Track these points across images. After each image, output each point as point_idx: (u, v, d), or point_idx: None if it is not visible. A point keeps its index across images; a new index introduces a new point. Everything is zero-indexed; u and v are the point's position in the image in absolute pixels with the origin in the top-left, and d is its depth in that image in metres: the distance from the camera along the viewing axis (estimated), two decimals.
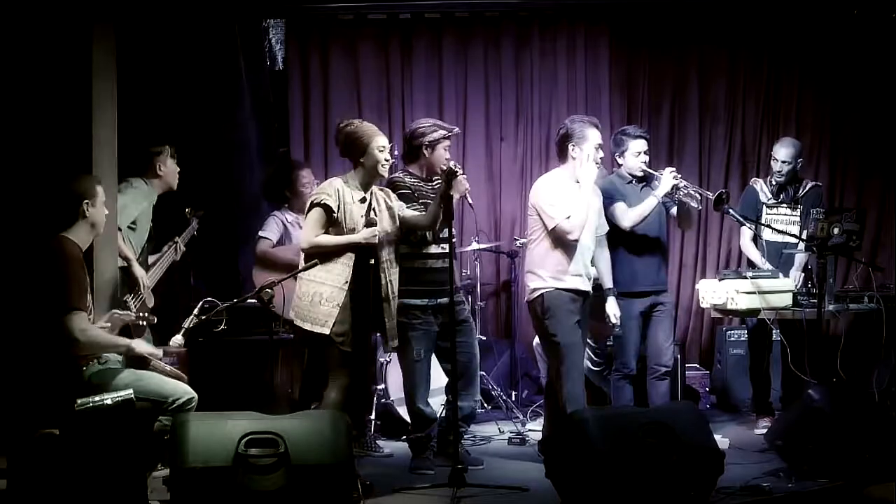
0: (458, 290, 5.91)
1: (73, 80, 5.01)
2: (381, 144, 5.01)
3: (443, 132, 5.40)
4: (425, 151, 5.39)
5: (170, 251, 5.72)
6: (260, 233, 6.15)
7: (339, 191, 4.93)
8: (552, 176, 5.46)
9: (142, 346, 4.49)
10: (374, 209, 5.04)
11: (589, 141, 5.33)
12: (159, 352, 4.64)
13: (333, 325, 4.83)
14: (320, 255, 4.85)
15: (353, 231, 4.93)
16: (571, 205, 5.25)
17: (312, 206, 4.94)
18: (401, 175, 5.44)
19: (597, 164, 5.38)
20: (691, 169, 7.43)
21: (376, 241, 4.94)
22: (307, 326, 4.89)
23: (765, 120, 7.58)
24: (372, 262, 4.97)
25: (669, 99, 7.61)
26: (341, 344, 4.85)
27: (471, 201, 5.26)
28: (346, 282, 4.87)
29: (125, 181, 5.46)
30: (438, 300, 5.30)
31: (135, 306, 5.29)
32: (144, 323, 4.94)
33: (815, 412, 4.89)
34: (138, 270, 5.42)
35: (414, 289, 5.30)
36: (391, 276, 5.07)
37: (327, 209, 4.89)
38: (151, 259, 5.63)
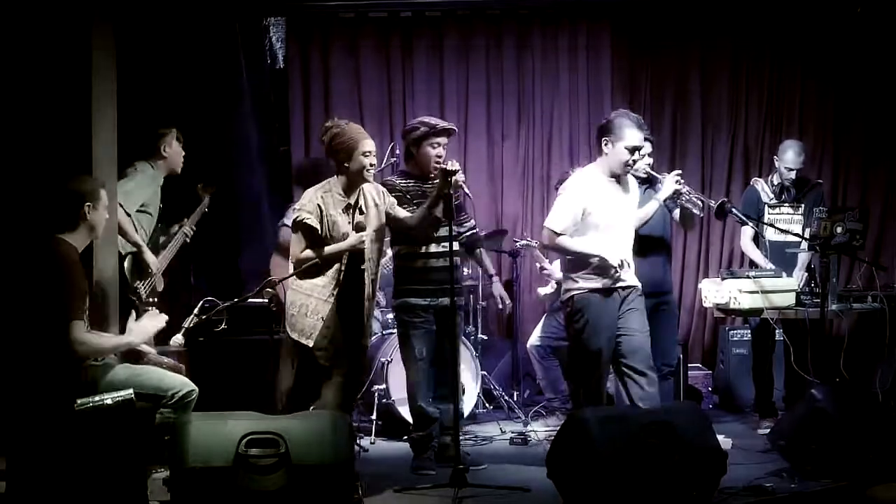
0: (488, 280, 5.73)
1: (73, 81, 4.98)
2: (366, 149, 4.84)
3: (425, 129, 5.29)
4: (412, 150, 5.34)
5: (179, 234, 5.76)
6: (283, 220, 6.22)
7: (321, 206, 4.81)
8: (585, 174, 5.24)
9: (140, 336, 4.43)
10: (360, 208, 4.92)
11: (624, 140, 5.09)
12: (151, 347, 4.62)
13: (316, 339, 4.78)
14: (310, 267, 4.78)
15: (342, 241, 4.82)
16: (592, 210, 5.08)
17: (295, 224, 4.83)
18: (394, 178, 5.41)
19: (628, 165, 5.15)
20: (694, 168, 7.41)
21: (364, 246, 4.83)
22: (294, 336, 4.85)
23: (767, 120, 7.56)
24: (363, 266, 4.87)
25: (672, 98, 7.60)
26: (320, 357, 4.80)
27: (468, 191, 5.09)
28: (332, 294, 4.79)
29: (131, 166, 5.54)
30: (440, 300, 5.26)
31: (145, 292, 5.30)
32: (154, 308, 4.95)
33: (819, 412, 4.87)
34: (149, 256, 5.49)
35: (416, 288, 5.28)
36: (372, 275, 4.95)
37: (309, 229, 4.79)
38: (161, 240, 5.71)
